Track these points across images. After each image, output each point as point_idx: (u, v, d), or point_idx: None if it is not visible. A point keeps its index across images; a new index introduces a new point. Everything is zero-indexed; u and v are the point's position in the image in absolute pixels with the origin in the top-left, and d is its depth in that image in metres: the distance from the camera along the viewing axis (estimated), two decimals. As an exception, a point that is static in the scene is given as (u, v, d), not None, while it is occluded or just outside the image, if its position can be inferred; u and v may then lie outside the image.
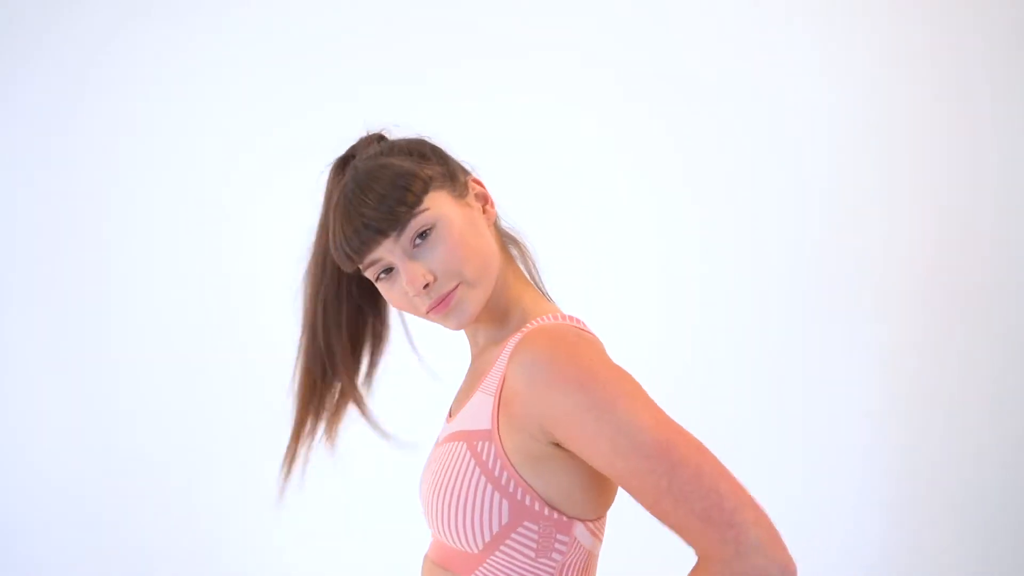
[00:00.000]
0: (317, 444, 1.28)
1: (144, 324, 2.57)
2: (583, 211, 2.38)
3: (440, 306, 1.15)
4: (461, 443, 1.13)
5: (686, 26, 2.38)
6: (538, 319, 1.16)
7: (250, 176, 2.53)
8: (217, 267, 2.54)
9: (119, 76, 2.59)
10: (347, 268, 1.18)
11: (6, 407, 2.62)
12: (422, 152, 1.20)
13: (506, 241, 1.27)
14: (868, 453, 2.29)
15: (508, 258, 1.24)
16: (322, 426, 1.28)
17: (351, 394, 1.27)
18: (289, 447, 1.28)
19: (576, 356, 1.05)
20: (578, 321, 1.16)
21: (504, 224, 1.28)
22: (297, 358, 1.28)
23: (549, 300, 1.26)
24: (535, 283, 1.27)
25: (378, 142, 1.25)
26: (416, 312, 1.17)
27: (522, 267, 1.27)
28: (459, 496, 1.09)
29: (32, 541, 2.59)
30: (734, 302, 2.35)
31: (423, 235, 1.13)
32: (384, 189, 1.13)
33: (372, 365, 1.30)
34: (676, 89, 2.37)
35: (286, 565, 2.50)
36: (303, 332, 1.28)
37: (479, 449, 1.10)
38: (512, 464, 1.08)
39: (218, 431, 2.53)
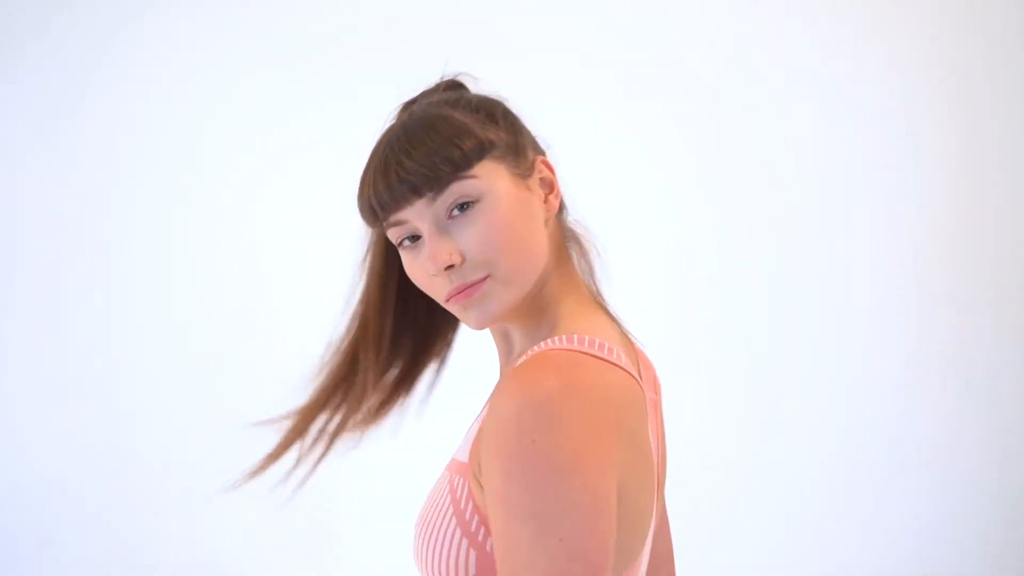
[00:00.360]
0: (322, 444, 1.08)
1: (144, 324, 2.57)
2: (583, 212, 2.38)
3: (460, 296, 0.95)
4: (447, 474, 0.99)
5: (686, 25, 2.38)
6: (554, 339, 0.94)
7: (250, 176, 2.53)
8: (217, 267, 2.54)
9: (119, 76, 2.59)
10: (370, 224, 1.00)
11: (7, 408, 2.62)
12: (492, 113, 1.03)
13: (567, 238, 1.08)
14: (878, 452, 2.28)
15: (564, 257, 1.05)
16: (334, 423, 1.08)
17: (393, 399, 1.08)
18: (288, 438, 1.08)
19: (530, 432, 0.83)
20: (605, 350, 0.92)
21: (570, 218, 1.10)
22: (345, 335, 1.08)
23: (602, 311, 1.05)
24: (590, 289, 1.07)
25: (447, 89, 1.10)
26: (436, 295, 0.98)
27: (579, 269, 1.08)
28: (431, 535, 0.95)
29: (32, 542, 2.59)
30: (736, 303, 2.35)
31: (463, 207, 0.95)
32: (433, 142, 0.95)
33: (411, 379, 1.09)
34: (677, 89, 2.37)
35: (286, 566, 2.49)
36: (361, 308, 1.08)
37: (455, 485, 0.95)
38: (482, 509, 0.91)
39: (218, 431, 2.52)
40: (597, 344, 0.93)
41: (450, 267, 0.95)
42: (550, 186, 1.05)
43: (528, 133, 1.07)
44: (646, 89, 2.38)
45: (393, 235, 0.99)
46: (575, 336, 0.94)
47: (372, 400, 1.08)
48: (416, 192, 0.95)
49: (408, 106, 1.08)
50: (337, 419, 1.08)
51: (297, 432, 1.09)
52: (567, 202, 1.11)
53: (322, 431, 1.08)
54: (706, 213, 2.37)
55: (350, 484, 2.41)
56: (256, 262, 2.50)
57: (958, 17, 2.27)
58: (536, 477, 0.83)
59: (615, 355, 0.93)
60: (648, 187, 2.39)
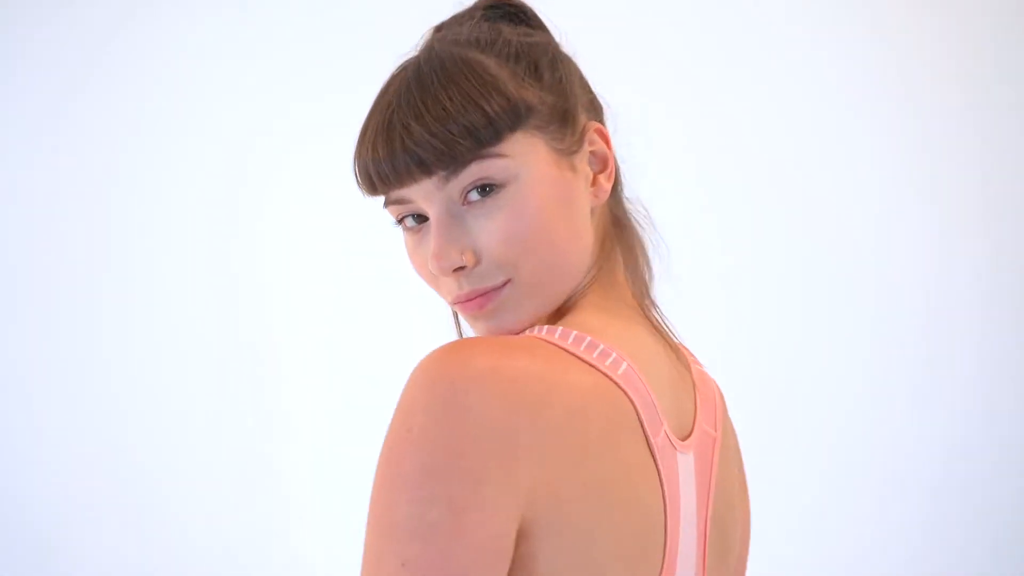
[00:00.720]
0: None
1: (146, 324, 2.56)
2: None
3: (471, 304, 0.75)
4: None
5: (686, 25, 2.37)
6: (535, 329, 0.74)
7: (251, 174, 2.52)
8: (219, 268, 2.53)
9: (120, 73, 2.58)
10: (366, 193, 0.77)
11: (7, 408, 2.61)
12: (535, 63, 0.78)
13: (616, 224, 0.85)
14: (886, 452, 2.27)
15: (607, 248, 0.82)
16: None
17: None
18: None
19: (415, 416, 0.63)
20: (596, 352, 0.71)
21: (629, 201, 0.88)
22: None
23: (636, 316, 0.81)
24: (633, 287, 0.84)
25: (485, 17, 0.82)
26: (438, 291, 0.78)
27: (623, 263, 0.84)
28: None
29: (32, 542, 2.59)
30: (743, 302, 2.34)
31: (484, 190, 0.73)
32: (452, 102, 0.71)
33: None
34: (679, 88, 2.36)
35: (286, 566, 2.49)
36: None
37: None
38: None
39: (220, 433, 2.52)
40: (586, 343, 0.71)
41: (460, 268, 0.74)
42: (603, 163, 0.82)
43: (583, 89, 0.84)
44: (648, 88, 2.37)
45: (393, 212, 0.78)
46: (559, 329, 0.72)
47: None
48: (424, 169, 0.72)
49: (436, 32, 0.83)
50: None
51: None
52: (623, 177, 0.88)
53: None
54: (710, 215, 2.36)
55: (353, 485, 2.40)
56: (259, 263, 2.50)
57: (966, 9, 2.25)
58: (396, 476, 0.63)
59: (609, 361, 0.71)
60: (650, 187, 2.38)
